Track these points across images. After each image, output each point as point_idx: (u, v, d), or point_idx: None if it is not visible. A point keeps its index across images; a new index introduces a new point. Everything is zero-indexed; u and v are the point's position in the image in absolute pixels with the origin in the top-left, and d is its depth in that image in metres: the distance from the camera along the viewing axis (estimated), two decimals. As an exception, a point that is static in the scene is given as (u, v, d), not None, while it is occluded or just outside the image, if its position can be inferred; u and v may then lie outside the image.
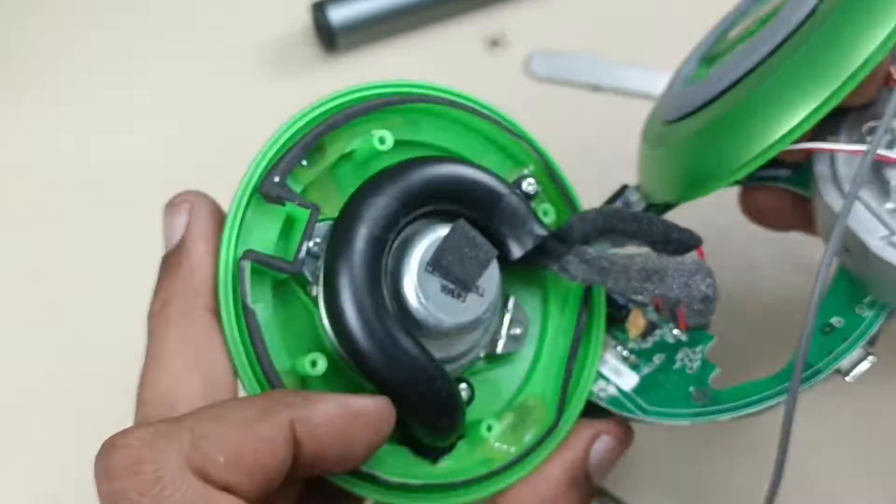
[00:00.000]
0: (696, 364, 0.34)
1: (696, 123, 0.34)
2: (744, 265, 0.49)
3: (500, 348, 0.34)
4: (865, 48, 0.29)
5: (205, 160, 0.52)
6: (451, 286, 0.32)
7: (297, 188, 0.30)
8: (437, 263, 0.31)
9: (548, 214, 0.35)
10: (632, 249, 0.33)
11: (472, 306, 0.32)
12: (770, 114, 0.30)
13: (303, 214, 0.30)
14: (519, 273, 0.35)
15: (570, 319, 0.35)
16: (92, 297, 0.50)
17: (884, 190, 0.31)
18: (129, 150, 0.55)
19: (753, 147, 0.31)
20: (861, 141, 0.32)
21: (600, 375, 0.35)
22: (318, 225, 0.30)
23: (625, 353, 0.35)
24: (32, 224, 0.53)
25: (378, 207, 0.30)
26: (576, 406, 0.34)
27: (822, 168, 0.32)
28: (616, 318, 0.36)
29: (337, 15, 0.56)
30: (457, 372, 0.33)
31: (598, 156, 0.48)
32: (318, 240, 0.30)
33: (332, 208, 0.31)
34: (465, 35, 0.57)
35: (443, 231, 0.32)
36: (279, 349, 0.29)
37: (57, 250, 0.52)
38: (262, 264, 0.29)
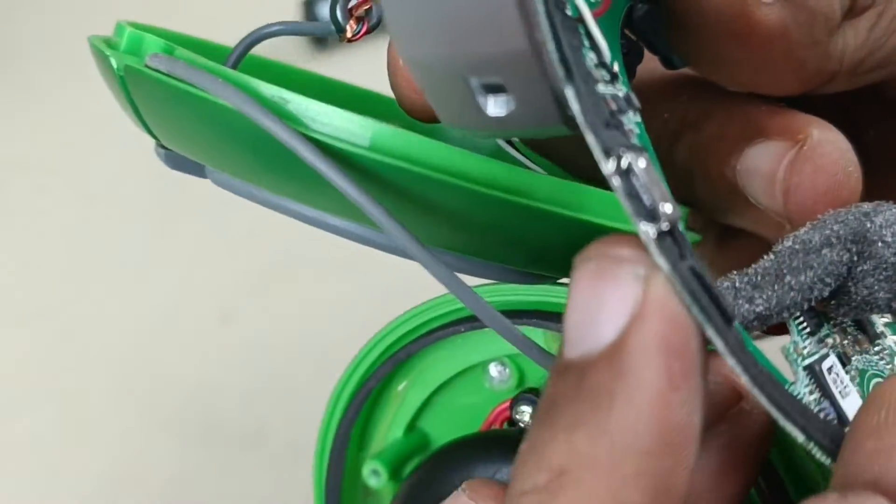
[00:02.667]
0: None
1: None
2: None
3: None
4: None
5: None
6: None
7: None
8: None
9: None
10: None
11: None
12: None
13: None
14: None
15: None
16: (85, 295, 0.50)
17: None
18: (118, 147, 0.54)
19: None
20: None
21: None
22: None
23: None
24: (23, 222, 0.52)
25: None
26: None
27: None
28: None
29: (327, 12, 0.56)
30: None
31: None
32: None
33: None
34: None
35: None
36: None
37: (49, 248, 0.51)
38: None
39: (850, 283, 0.18)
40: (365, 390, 0.26)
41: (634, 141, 0.17)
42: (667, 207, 0.15)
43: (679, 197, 0.20)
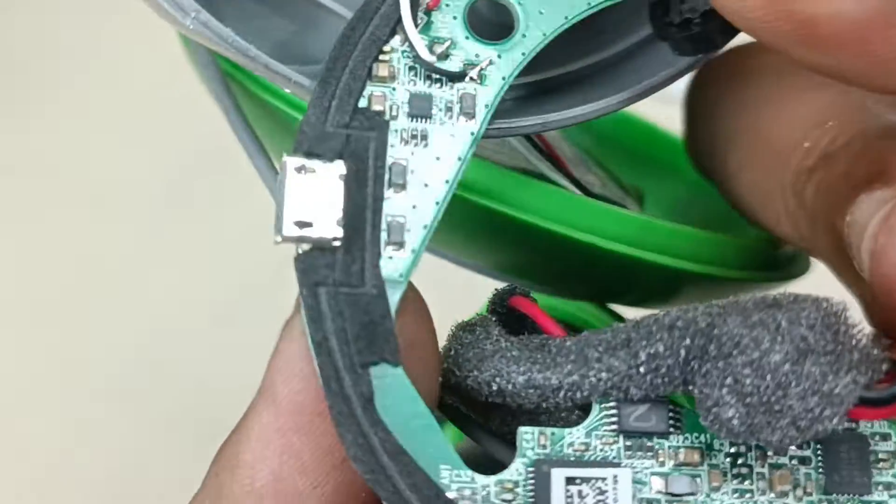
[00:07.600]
0: None
1: None
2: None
3: None
4: None
5: (194, 159, 0.52)
6: None
7: None
8: None
9: None
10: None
11: None
12: None
13: None
14: None
15: None
16: (85, 295, 0.50)
17: None
18: (117, 148, 0.54)
19: None
20: None
21: None
22: None
23: None
24: (22, 222, 0.52)
25: None
26: None
27: None
28: None
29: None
30: None
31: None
32: None
33: None
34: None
35: None
36: None
37: (48, 248, 0.51)
38: None
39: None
40: None
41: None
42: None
43: (806, 249, 0.17)
